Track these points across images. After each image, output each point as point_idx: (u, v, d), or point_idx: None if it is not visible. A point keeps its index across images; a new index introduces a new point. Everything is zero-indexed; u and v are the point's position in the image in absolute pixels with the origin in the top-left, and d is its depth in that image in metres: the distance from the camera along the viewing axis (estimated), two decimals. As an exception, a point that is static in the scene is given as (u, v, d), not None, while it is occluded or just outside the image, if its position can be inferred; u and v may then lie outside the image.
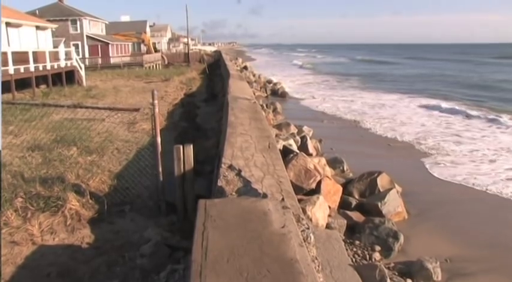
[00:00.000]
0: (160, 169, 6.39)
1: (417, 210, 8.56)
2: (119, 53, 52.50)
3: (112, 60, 46.12)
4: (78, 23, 47.86)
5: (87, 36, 48.57)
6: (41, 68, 23.07)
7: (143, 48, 59.26)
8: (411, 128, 18.10)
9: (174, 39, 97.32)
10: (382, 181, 9.11)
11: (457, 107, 23.03)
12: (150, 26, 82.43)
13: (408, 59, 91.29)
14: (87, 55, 47.38)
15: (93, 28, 50.95)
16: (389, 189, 8.52)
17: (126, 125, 12.02)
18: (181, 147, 5.91)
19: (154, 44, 67.74)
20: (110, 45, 50.24)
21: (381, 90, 33.29)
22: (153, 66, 46.83)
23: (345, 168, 10.87)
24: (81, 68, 27.06)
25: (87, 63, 41.40)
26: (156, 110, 6.15)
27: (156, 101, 6.13)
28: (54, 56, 25.75)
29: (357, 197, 8.88)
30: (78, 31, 47.97)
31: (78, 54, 34.76)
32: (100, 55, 47.48)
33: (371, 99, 28.19)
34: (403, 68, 63.38)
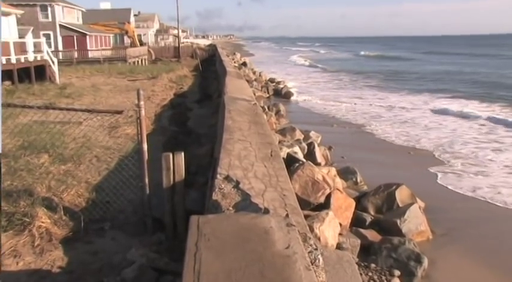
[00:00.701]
0: (146, 180, 6.40)
1: (443, 229, 8.54)
2: (98, 45, 52.55)
3: (90, 54, 45.89)
4: (49, 9, 46.65)
5: (60, 25, 47.92)
6: (4, 62, 22.33)
7: (127, 40, 59.54)
8: (436, 134, 18.13)
9: (163, 30, 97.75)
10: (402, 195, 9.11)
11: (495, 116, 21.91)
12: (135, 15, 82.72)
13: (426, 53, 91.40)
14: (60, 47, 47.09)
15: (68, 16, 50.66)
16: (410, 205, 8.52)
17: (107, 129, 12.05)
18: (170, 155, 5.92)
19: (139, 36, 67.98)
20: (87, 37, 50.21)
21: (400, 90, 33.41)
22: (138, 62, 46.93)
23: (358, 180, 10.88)
24: (53, 63, 26.77)
25: (60, 56, 41.38)
26: (142, 112, 6.16)
27: (142, 102, 6.15)
28: (21, 48, 25.18)
29: (372, 212, 8.88)
30: (50, 19, 46.92)
31: (50, 47, 34.61)
32: (76, 48, 47.29)
33: (389, 100, 28.28)
34: (422, 64, 63.53)
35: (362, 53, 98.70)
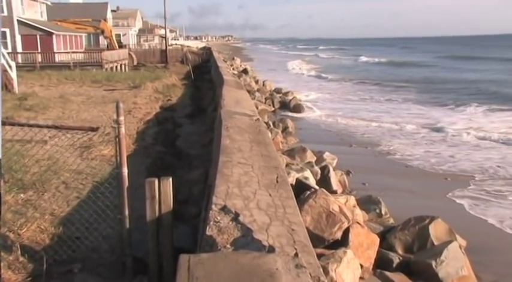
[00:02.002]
0: (126, 211, 6.41)
1: (493, 275, 8.49)
2: (68, 47, 52.61)
3: (57, 58, 45.66)
4: (4, 1, 44.77)
5: (19, 21, 47.07)
6: None
7: (103, 41, 60.05)
8: (481, 157, 18.10)
9: (147, 30, 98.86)
10: (437, 230, 9.09)
11: None
12: (113, 11, 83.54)
13: (453, 59, 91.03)
14: (20, 49, 46.48)
15: (29, 10, 50.14)
16: (448, 242, 8.48)
17: (79, 149, 12.08)
18: (155, 181, 5.95)
19: (118, 36, 68.70)
20: (53, 36, 50.05)
21: (434, 104, 33.56)
22: (116, 68, 47.29)
23: (383, 212, 10.86)
24: (10, 67, 26.63)
25: (20, 60, 41.39)
26: (122, 129, 6.21)
27: (121, 117, 6.20)
28: (-34, 49, 25.28)
29: (400, 252, 8.84)
30: (5, 13, 45.08)
31: (6, 48, 34.18)
32: (40, 50, 46.97)
33: (419, 115, 28.38)
34: (455, 71, 63.59)
35: (363, 58, 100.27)
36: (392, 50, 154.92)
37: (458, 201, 12.88)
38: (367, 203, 11.02)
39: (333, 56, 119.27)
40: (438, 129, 23.51)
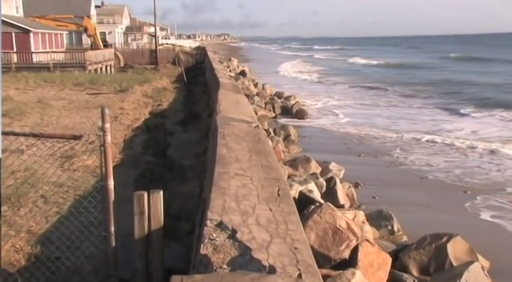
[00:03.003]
0: (112, 228, 6.41)
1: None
2: (47, 46, 52.49)
3: (35, 58, 45.69)
4: None
5: None
6: None
7: (86, 40, 60.16)
8: (504, 167, 18.10)
9: (135, 28, 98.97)
10: (457, 249, 9.08)
11: None
12: (97, 7, 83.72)
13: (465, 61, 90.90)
14: None
15: (3, 5, 51.02)
16: (469, 263, 8.45)
17: (60, 160, 12.10)
18: (145, 194, 5.96)
19: (103, 34, 68.93)
20: (31, 34, 49.87)
21: (446, 106, 33.64)
22: (101, 69, 47.36)
23: (395, 228, 10.86)
24: (-19, 69, 27.00)
25: (-8, 60, 41.54)
26: (108, 137, 6.22)
27: (107, 124, 6.21)
28: None
29: (415, 273, 8.83)
30: None
31: None
32: (15, 49, 47.03)
33: (437, 123, 28.41)
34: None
35: (358, 60, 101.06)
36: (397, 49, 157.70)
37: (480, 216, 12.88)
38: (377, 219, 11.01)
39: (327, 57, 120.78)
40: (456, 139, 23.44)
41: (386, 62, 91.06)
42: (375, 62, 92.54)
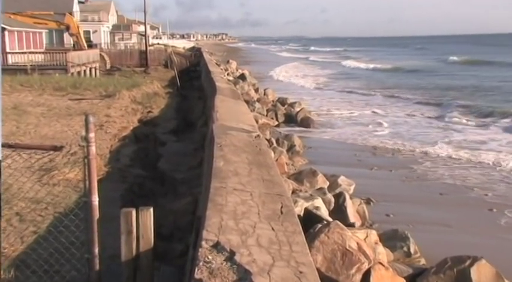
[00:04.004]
0: (96, 250, 6.41)
1: None
2: (24, 46, 52.46)
3: (11, 59, 45.44)
4: None
5: None
6: None
7: (68, 39, 60.26)
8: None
9: (123, 26, 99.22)
10: (481, 274, 9.05)
11: None
12: (81, 3, 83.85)
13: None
14: None
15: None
16: (494, 290, 8.47)
17: (38, 173, 12.10)
18: (133, 211, 5.96)
19: (87, 33, 69.06)
20: (6, 33, 49.53)
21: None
22: (85, 72, 47.45)
23: (412, 250, 10.84)
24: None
25: (-38, 61, 41.43)
26: (92, 148, 6.24)
27: (91, 134, 6.24)
28: None
29: (433, 300, 8.82)
30: None
31: None
32: (-12, 49, 47.32)
33: (458, 133, 28.41)
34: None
35: (349, 63, 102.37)
36: (404, 51, 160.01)
37: (507, 237, 12.84)
38: (392, 239, 11.00)
39: (323, 59, 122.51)
40: (482, 152, 23.26)
41: (383, 66, 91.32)
42: (369, 66, 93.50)
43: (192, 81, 45.87)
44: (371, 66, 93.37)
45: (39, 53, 50.37)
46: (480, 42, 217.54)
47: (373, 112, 36.30)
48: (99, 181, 6.63)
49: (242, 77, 49.43)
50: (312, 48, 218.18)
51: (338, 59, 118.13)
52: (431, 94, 47.36)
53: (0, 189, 6.57)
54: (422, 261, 10.48)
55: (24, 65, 43.34)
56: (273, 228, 6.17)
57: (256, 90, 40.64)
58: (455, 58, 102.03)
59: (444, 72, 74.96)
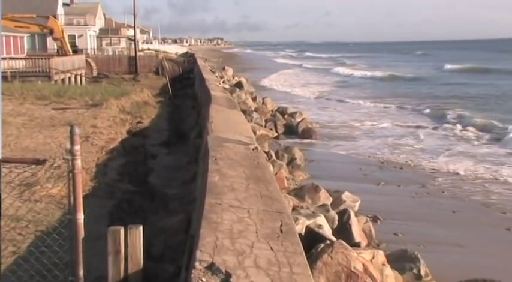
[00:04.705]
0: (81, 272, 6.40)
1: None
2: (4, 52, 52.49)
3: None
4: None
5: None
6: None
7: (51, 44, 60.29)
8: None
9: (111, 30, 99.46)
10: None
11: None
12: (66, 5, 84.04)
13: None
14: None
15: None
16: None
17: (18, 188, 12.08)
18: (121, 230, 5.96)
19: (73, 38, 69.15)
20: None
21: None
22: (70, 79, 47.50)
23: (422, 272, 10.82)
24: None
25: None
26: (78, 162, 6.25)
27: (77, 146, 6.25)
28: None
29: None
30: None
31: None
32: (-35, 55, 47.41)
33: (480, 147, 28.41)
34: None
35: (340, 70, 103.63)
36: (404, 57, 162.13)
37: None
38: (400, 260, 10.99)
39: (315, 66, 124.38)
40: (499, 166, 23.18)
41: (373, 73, 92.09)
42: (358, 73, 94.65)
43: (185, 90, 45.97)
44: (359, 73, 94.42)
45: (21, 58, 50.35)
46: (492, 48, 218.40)
47: (372, 124, 36.31)
48: (84, 197, 6.63)
49: (239, 85, 49.50)
50: (307, 54, 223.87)
51: (331, 66, 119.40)
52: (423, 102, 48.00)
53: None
54: (435, 285, 10.48)
55: (4, 72, 43.28)
56: (271, 248, 6.17)
57: (254, 99, 40.63)
58: (449, 66, 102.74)
59: (432, 81, 76.00)
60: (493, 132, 31.94)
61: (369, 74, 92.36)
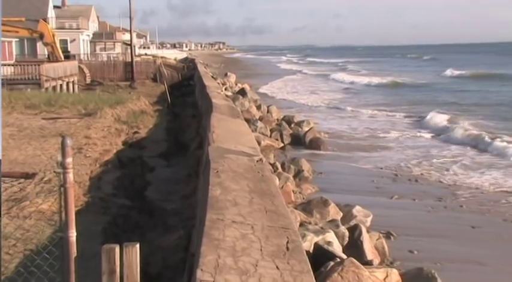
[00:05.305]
0: (73, 292, 6.41)
1: None
2: (-9, 57, 53.02)
3: None
4: None
5: None
6: None
7: (42, 50, 60.36)
8: None
9: (105, 34, 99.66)
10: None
11: None
12: (57, 7, 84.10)
13: None
14: None
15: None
16: None
17: (6, 204, 12.10)
18: (116, 248, 5.96)
19: (64, 43, 69.27)
20: None
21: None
22: (62, 87, 47.55)
23: (441, 294, 10.82)
24: None
25: None
26: (70, 175, 6.26)
27: (69, 159, 6.25)
28: None
29: None
30: None
31: None
32: (-52, 60, 47.41)
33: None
34: None
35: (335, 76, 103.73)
36: (412, 62, 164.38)
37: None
38: (416, 280, 10.97)
39: (317, 72, 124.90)
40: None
41: (371, 80, 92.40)
42: (356, 80, 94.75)
43: (184, 97, 46.04)
44: (358, 80, 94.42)
45: (9, 65, 50.28)
46: (507, 52, 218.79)
47: (381, 135, 36.34)
48: (77, 213, 6.63)
49: (242, 92, 49.53)
50: (309, 59, 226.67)
51: (331, 72, 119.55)
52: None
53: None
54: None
55: (-10, 79, 43.37)
56: (277, 267, 6.17)
57: (259, 107, 40.63)
58: (448, 72, 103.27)
59: (425, 87, 76.86)
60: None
61: (366, 80, 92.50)
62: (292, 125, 33.93)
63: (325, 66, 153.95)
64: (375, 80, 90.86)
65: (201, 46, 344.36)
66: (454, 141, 32.01)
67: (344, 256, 9.73)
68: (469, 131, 34.70)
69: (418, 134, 35.67)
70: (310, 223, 12.85)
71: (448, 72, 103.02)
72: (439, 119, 40.16)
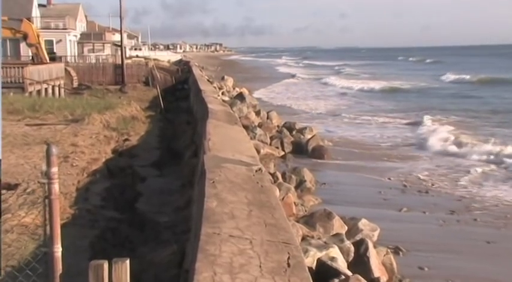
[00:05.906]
0: (58, 312, 6.40)
1: None
2: (-30, 59, 52.99)
3: None
4: None
5: None
6: None
7: (26, 51, 60.36)
8: None
9: (94, 35, 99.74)
10: None
11: None
12: (42, 6, 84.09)
13: None
14: None
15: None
16: None
17: (-12, 215, 12.12)
18: (104, 264, 5.95)
19: (50, 44, 69.21)
20: None
21: None
22: (47, 91, 47.54)
23: (452, 312, 10.82)
24: None
25: None
26: (55, 186, 6.25)
27: (54, 168, 6.25)
28: None
29: None
30: None
31: None
32: None
33: None
34: None
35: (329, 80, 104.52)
36: (414, 66, 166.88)
37: None
38: (427, 299, 10.98)
39: (309, 76, 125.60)
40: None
41: (365, 85, 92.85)
42: (346, 85, 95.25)
43: (178, 102, 46.07)
44: (352, 85, 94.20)
45: (-10, 67, 50.40)
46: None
47: (385, 142, 36.40)
48: (62, 226, 6.63)
49: (240, 96, 49.53)
50: (305, 62, 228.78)
51: (324, 76, 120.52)
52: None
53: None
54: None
55: (-30, 83, 43.39)
56: (278, 285, 6.16)
57: (258, 113, 40.63)
58: (444, 77, 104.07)
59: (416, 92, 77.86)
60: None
61: (360, 85, 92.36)
62: (294, 132, 33.90)
63: (321, 69, 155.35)
64: (372, 84, 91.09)
65: (197, 47, 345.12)
66: (465, 152, 32.09)
67: (349, 273, 9.73)
68: (479, 142, 34.78)
69: (427, 143, 35.71)
70: (312, 237, 12.85)
71: (445, 77, 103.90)
72: (447, 128, 40.20)
